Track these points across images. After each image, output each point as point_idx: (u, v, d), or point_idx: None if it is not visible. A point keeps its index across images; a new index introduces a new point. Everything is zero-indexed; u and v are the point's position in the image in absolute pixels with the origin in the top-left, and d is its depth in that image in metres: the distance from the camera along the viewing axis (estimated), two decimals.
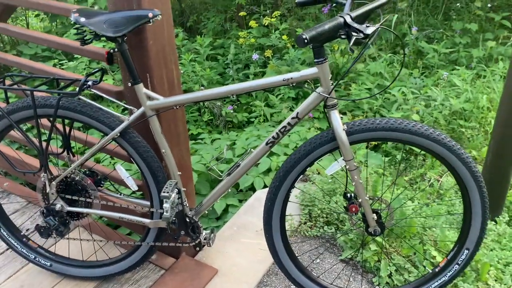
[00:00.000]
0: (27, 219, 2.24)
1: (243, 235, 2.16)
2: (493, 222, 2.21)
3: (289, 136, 2.96)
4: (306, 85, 3.45)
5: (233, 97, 3.63)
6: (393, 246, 2.02)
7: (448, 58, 3.99)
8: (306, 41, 1.09)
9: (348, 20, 1.13)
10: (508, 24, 4.03)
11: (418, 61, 3.91)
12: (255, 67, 3.88)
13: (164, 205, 1.51)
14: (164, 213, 1.52)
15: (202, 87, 3.67)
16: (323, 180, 2.47)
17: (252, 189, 2.66)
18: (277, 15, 4.02)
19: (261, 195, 2.45)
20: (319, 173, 2.64)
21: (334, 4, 1.55)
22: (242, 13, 4.33)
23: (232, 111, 3.52)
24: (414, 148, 2.48)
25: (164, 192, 1.52)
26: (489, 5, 4.35)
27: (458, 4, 4.66)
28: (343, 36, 1.15)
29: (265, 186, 2.57)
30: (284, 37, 3.90)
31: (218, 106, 3.56)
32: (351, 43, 1.10)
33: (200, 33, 4.76)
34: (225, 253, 2.05)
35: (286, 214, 1.66)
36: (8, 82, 1.64)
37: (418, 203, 2.38)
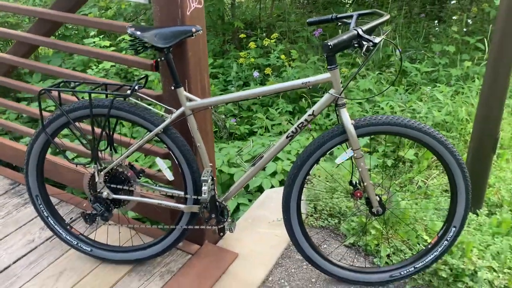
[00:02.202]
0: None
1: (257, 226, 2.43)
2: (475, 215, 2.53)
3: (290, 144, 3.27)
4: (302, 102, 3.79)
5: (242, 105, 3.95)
6: (390, 234, 2.31)
7: (430, 77, 4.39)
8: (330, 47, 1.42)
9: (360, 32, 1.46)
10: (482, 47, 4.46)
11: (402, 79, 4.30)
12: (255, 84, 4.21)
13: (203, 188, 1.78)
14: (203, 195, 1.79)
15: None
16: (322, 182, 2.78)
17: (259, 190, 2.94)
18: (275, 37, 4.39)
19: (270, 193, 2.74)
20: (319, 176, 2.95)
21: (339, 24, 1.89)
22: (242, 35, 4.69)
23: (235, 124, 3.82)
24: (407, 140, 2.79)
25: (204, 176, 1.80)
26: (464, 30, 4.80)
27: (437, 29, 5.11)
28: (356, 45, 1.48)
29: (272, 187, 2.86)
30: (283, 56, 4.26)
31: (222, 119, 3.86)
32: (364, 50, 1.43)
33: None
34: (243, 240, 2.32)
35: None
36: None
37: (409, 200, 2.69)
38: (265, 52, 4.79)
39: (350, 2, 6.04)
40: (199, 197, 1.91)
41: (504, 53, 2.11)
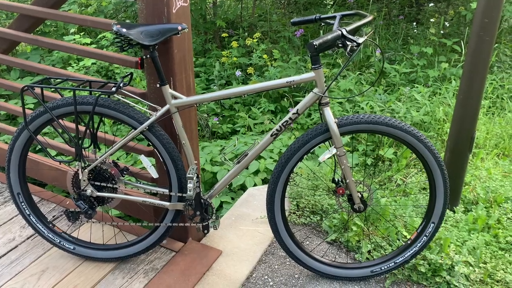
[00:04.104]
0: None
1: (240, 223, 2.45)
2: (452, 212, 2.60)
3: (273, 143, 3.30)
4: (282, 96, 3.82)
5: (223, 107, 3.96)
6: (371, 230, 2.37)
7: (408, 78, 4.49)
8: (316, 47, 1.45)
9: (345, 32, 1.50)
10: (458, 49, 4.59)
11: (381, 80, 4.38)
12: (237, 83, 4.23)
13: (189, 185, 1.80)
14: (188, 192, 1.81)
15: None
16: (304, 181, 2.81)
17: (242, 188, 2.96)
18: (258, 36, 4.41)
19: (253, 191, 2.76)
20: (301, 174, 2.99)
21: (322, 24, 1.92)
22: (224, 34, 4.70)
23: (217, 122, 3.83)
24: (388, 139, 2.85)
25: (189, 173, 1.81)
26: (441, 32, 4.92)
27: (415, 31, 5.22)
28: (340, 45, 1.51)
29: (254, 185, 2.89)
30: (265, 56, 4.29)
31: (204, 118, 3.86)
32: (348, 50, 1.47)
33: None
34: (227, 238, 2.33)
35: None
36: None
37: (388, 198, 2.75)
38: (247, 51, 4.81)
39: (331, 3, 6.12)
40: (184, 195, 1.92)
41: (481, 55, 2.18)
